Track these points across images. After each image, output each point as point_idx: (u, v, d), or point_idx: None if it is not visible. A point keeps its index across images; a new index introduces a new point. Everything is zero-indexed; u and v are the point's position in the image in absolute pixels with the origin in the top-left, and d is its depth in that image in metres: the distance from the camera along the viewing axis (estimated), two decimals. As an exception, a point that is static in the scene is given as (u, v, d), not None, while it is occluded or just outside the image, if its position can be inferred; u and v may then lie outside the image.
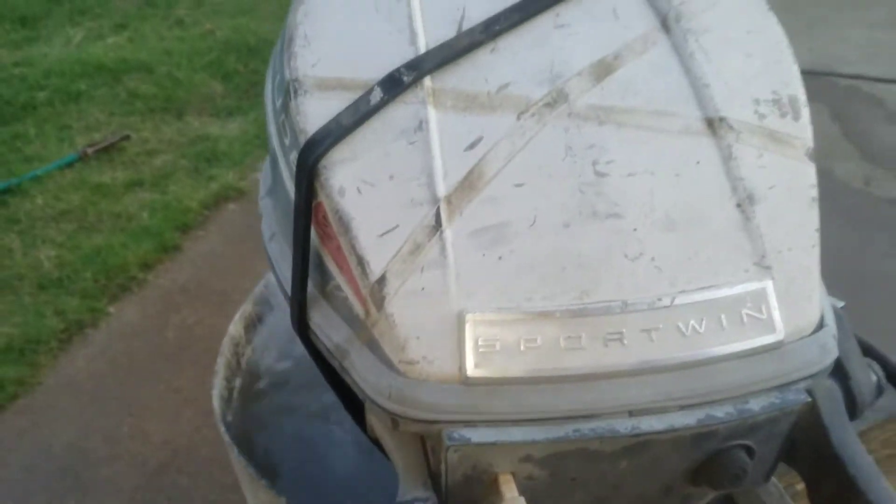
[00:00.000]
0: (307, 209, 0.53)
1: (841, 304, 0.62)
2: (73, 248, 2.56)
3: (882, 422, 0.78)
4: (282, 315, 1.14)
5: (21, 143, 2.94)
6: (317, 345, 0.57)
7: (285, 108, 0.55)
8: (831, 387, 0.59)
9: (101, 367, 2.23)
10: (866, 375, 0.62)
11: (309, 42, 0.55)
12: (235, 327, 1.10)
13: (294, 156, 0.53)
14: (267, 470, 0.90)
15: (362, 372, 0.52)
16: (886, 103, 3.09)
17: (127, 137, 3.01)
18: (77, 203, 2.74)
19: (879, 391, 0.64)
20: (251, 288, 2.51)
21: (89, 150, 2.92)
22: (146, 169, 2.90)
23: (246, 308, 1.12)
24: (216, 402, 0.99)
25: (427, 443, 0.54)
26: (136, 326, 2.35)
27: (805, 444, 0.58)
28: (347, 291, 0.52)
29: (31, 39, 3.58)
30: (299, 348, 1.06)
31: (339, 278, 0.53)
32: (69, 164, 2.88)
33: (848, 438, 0.57)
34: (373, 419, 0.57)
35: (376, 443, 0.62)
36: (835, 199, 2.62)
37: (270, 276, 1.14)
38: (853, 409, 0.62)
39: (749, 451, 0.52)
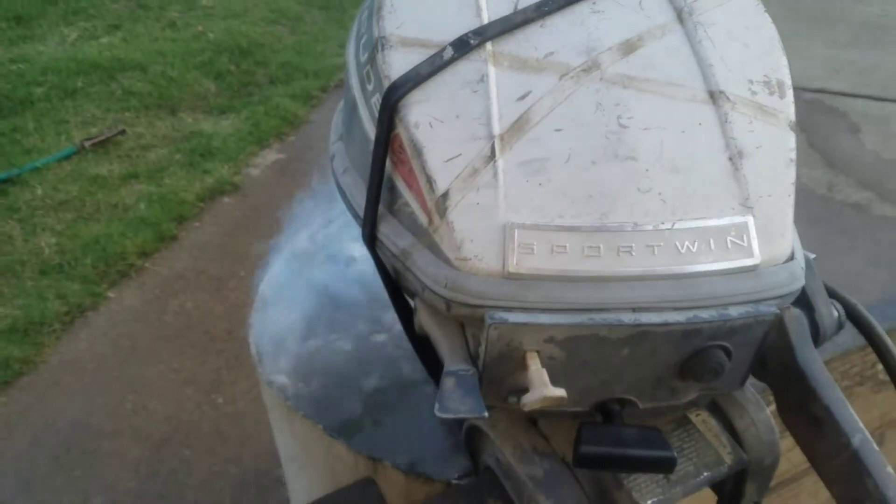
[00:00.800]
0: (387, 139, 0.65)
1: (813, 255, 0.75)
2: (72, 237, 2.64)
3: (841, 354, 0.91)
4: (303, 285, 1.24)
5: (20, 135, 3.02)
6: (382, 254, 0.69)
7: (371, 60, 0.68)
8: (799, 314, 0.71)
9: (103, 349, 2.31)
10: (829, 311, 0.75)
11: (395, 9, 0.68)
12: (264, 286, 1.21)
13: (376, 98, 0.66)
14: (301, 405, 1.01)
15: (423, 267, 0.63)
16: (848, 115, 3.28)
17: (122, 132, 3.10)
18: (75, 194, 2.82)
19: (840, 326, 0.76)
20: (246, 275, 2.61)
21: (86, 144, 3.00)
22: (142, 162, 2.99)
23: (273, 270, 1.23)
24: (253, 348, 1.10)
25: (468, 331, 0.65)
26: (135, 310, 2.44)
27: (774, 360, 0.69)
28: (414, 206, 0.64)
29: (27, 38, 3.65)
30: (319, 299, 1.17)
31: (407, 196, 0.65)
32: (67, 157, 2.96)
33: (810, 355, 0.69)
34: (422, 315, 0.69)
35: (419, 344, 0.74)
36: (800, 204, 2.77)
37: (297, 243, 1.25)
38: (816, 337, 0.74)
39: (727, 351, 0.63)
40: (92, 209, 2.77)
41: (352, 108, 0.73)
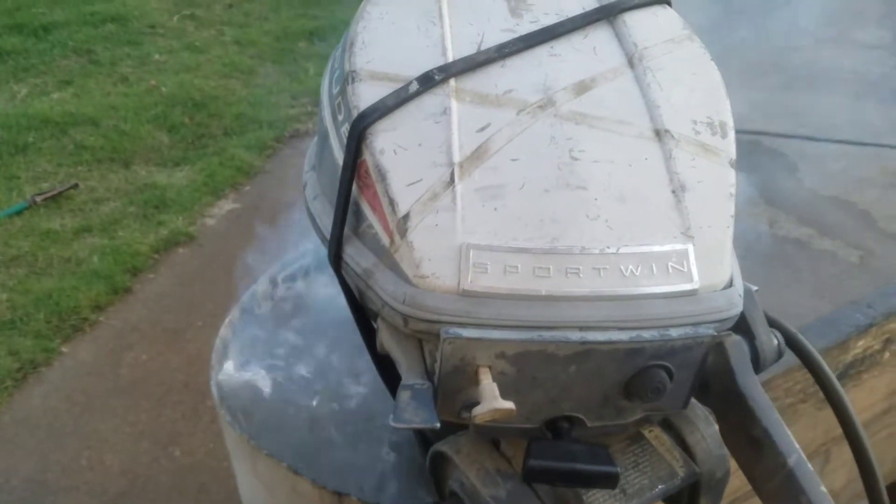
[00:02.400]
0: (353, 164, 0.69)
1: (755, 287, 0.80)
2: (24, 292, 2.61)
3: (784, 372, 0.96)
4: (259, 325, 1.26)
5: (-31, 191, 2.98)
6: (346, 275, 0.72)
7: (342, 92, 0.72)
8: (739, 341, 0.75)
9: (57, 404, 2.27)
10: (769, 339, 0.79)
11: (366, 46, 0.73)
12: (225, 330, 1.22)
13: (346, 128, 0.70)
14: (263, 444, 1.02)
15: (383, 285, 0.67)
16: (785, 156, 3.42)
17: (75, 186, 3.08)
18: (27, 249, 2.79)
19: (780, 353, 0.81)
20: (203, 326, 2.59)
21: (38, 199, 2.97)
22: (95, 216, 2.97)
23: (233, 315, 1.25)
24: (214, 390, 1.11)
25: (425, 347, 0.68)
26: (89, 364, 2.41)
27: (716, 384, 0.73)
28: (377, 227, 0.68)
29: (-25, 94, 3.63)
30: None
31: (371, 218, 0.68)
32: (18, 212, 2.93)
33: (750, 380, 0.73)
34: (383, 333, 0.71)
35: (381, 364, 0.77)
36: (743, 240, 2.86)
37: (257, 287, 1.27)
38: (757, 363, 0.78)
39: (669, 371, 0.67)
40: (44, 264, 2.74)
41: (323, 139, 0.77)
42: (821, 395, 0.99)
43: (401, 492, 0.95)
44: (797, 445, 0.71)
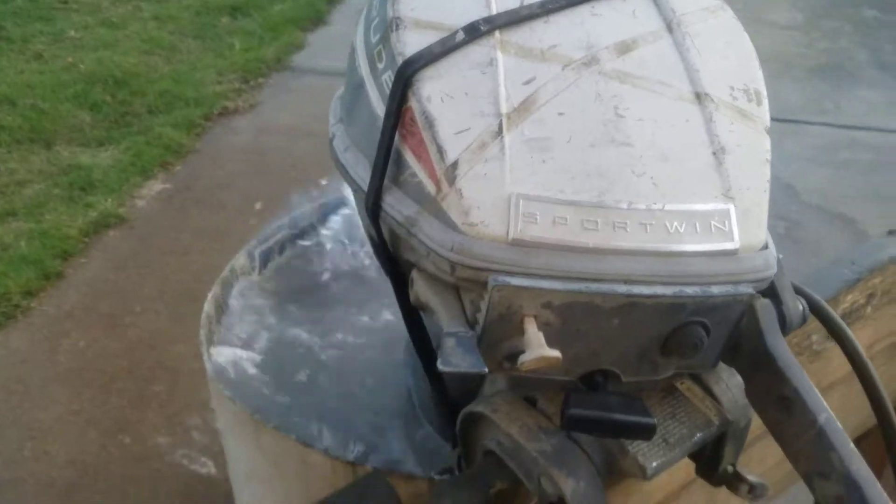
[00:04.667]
0: (398, 112, 0.68)
1: (780, 255, 0.83)
2: (-55, 280, 2.47)
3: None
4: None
5: None
6: (384, 224, 0.72)
7: (384, 39, 0.71)
8: (768, 304, 0.76)
9: (-8, 395, 2.16)
10: (795, 304, 0.81)
11: None
12: (209, 305, 1.19)
13: (388, 75, 0.69)
14: (268, 418, 1.00)
15: (429, 233, 0.66)
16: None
17: (-7, 168, 2.93)
18: (-56, 235, 2.64)
19: (804, 318, 0.83)
20: (142, 311, 2.51)
21: (-47, 182, 2.81)
22: (18, 199, 2.83)
23: (216, 290, 1.21)
24: (208, 365, 1.08)
25: (466, 297, 0.68)
26: (25, 353, 2.30)
27: (745, 346, 0.74)
28: (422, 175, 0.67)
29: None
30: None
31: (415, 166, 0.67)
32: (-69, 196, 2.76)
33: (778, 340, 0.73)
34: (419, 284, 0.71)
35: (412, 316, 0.77)
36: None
37: (236, 262, 1.24)
38: (783, 327, 0.80)
39: (706, 328, 0.68)
40: (-34, 250, 2.59)
41: (357, 88, 0.75)
42: (814, 348, 1.05)
43: (417, 457, 0.95)
44: (826, 404, 0.73)
